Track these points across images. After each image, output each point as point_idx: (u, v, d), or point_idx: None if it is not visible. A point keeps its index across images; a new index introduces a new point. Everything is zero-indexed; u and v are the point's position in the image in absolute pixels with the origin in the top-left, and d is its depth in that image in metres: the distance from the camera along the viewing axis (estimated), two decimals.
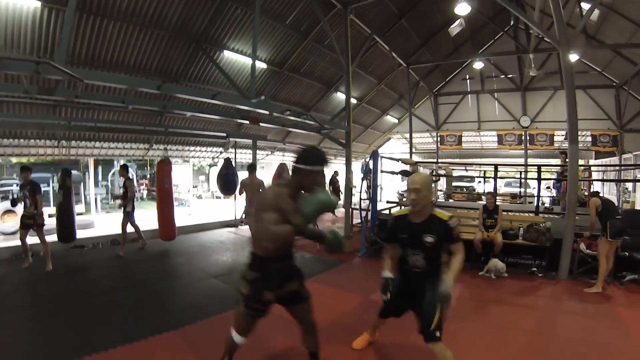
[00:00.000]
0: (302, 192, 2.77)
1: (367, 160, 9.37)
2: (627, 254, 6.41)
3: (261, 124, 9.46)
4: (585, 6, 12.52)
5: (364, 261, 7.85)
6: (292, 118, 8.76)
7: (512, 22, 17.16)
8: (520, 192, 15.83)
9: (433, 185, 3.06)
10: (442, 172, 16.72)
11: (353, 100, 15.96)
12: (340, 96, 14.83)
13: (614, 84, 17.58)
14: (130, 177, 8.90)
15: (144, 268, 7.05)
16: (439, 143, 20.75)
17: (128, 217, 8.13)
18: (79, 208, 16.76)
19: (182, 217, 13.08)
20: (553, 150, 18.43)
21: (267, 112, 8.25)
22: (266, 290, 2.73)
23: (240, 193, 8.49)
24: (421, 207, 3.16)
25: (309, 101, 14.74)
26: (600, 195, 6.50)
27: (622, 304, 5.57)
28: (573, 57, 15.37)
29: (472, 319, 4.80)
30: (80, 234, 8.54)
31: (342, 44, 9.53)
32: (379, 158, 9.21)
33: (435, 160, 19.45)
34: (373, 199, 8.75)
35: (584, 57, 17.22)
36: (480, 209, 7.62)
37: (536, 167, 11.23)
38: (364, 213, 8.79)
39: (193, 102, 9.71)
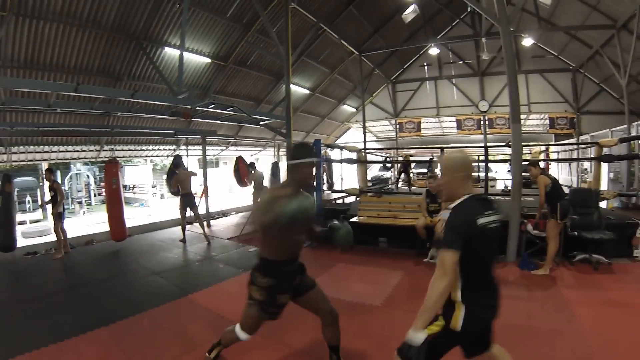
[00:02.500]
0: (302, 187, 2.82)
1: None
2: (576, 233, 6.38)
3: (193, 119, 9.44)
4: None
5: (311, 251, 7.67)
6: (216, 111, 8.65)
7: (468, 9, 17.31)
8: (479, 176, 15.95)
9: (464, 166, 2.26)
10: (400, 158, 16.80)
11: (305, 91, 15.95)
12: (293, 87, 14.70)
13: (571, 67, 18.11)
14: (57, 179, 8.71)
15: (89, 270, 6.95)
16: (398, 130, 20.85)
17: (59, 220, 7.90)
18: (36, 215, 16.45)
19: (140, 218, 12.89)
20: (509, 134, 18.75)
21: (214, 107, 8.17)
22: (281, 294, 2.80)
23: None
24: (447, 197, 2.30)
25: (259, 94, 14.62)
26: (549, 174, 6.51)
27: (570, 286, 5.53)
28: (528, 42, 16.04)
29: (406, 309, 4.63)
30: (35, 241, 8.40)
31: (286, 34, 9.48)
32: (322, 147, 9.15)
33: (395, 147, 19.62)
34: (318, 188, 8.71)
35: (540, 42, 17.63)
36: (423, 194, 7.35)
37: (495, 150, 11.31)
38: None
39: (131, 102, 9.48)
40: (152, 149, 14.15)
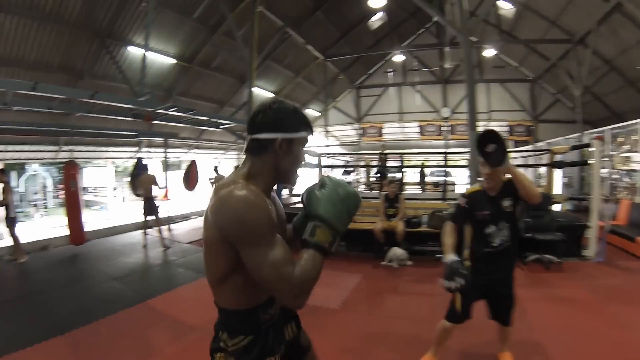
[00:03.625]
0: (276, 184, 1.65)
1: None
2: (529, 235, 6.68)
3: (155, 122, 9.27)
4: (502, 4, 13.43)
5: None
6: (178, 114, 8.59)
7: (434, 19, 17.74)
8: (438, 181, 16.32)
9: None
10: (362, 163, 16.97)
11: (269, 94, 15.93)
12: (256, 90, 14.60)
13: (529, 78, 19.14)
14: (9, 181, 8.33)
15: (46, 276, 6.70)
16: (361, 135, 21.08)
17: (13, 224, 7.61)
18: None
19: (100, 221, 12.56)
20: None
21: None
22: (270, 357, 1.60)
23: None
24: (495, 182, 2.90)
25: (223, 96, 14.52)
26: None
27: (522, 285, 5.59)
28: (490, 52, 16.75)
29: (359, 310, 4.84)
30: None
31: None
32: None
33: (357, 152, 19.85)
34: (278, 191, 8.75)
35: (501, 53, 18.62)
36: (381, 198, 7.55)
37: (455, 156, 11.63)
38: None
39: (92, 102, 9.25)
40: (113, 151, 13.81)
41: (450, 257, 2.76)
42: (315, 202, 1.44)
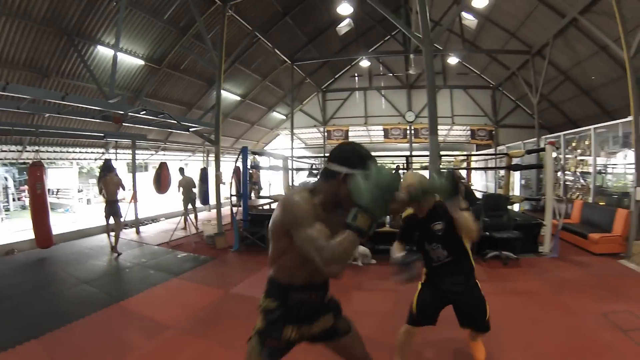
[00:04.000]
0: (336, 207, 1.95)
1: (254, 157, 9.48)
2: (488, 233, 7.14)
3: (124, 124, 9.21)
4: (466, 16, 14.16)
5: (237, 256, 7.97)
6: (148, 117, 8.60)
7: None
8: None
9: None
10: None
11: (236, 97, 16.05)
12: (223, 93, 14.49)
13: (491, 85, 20.08)
14: None
15: (14, 281, 6.56)
16: (326, 138, 21.25)
17: None
18: None
19: (66, 224, 12.34)
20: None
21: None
22: (287, 326, 2.03)
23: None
24: (421, 208, 3.11)
25: (191, 99, 14.42)
26: (464, 181, 7.10)
27: (481, 280, 5.96)
28: (454, 60, 17.47)
29: None
30: None
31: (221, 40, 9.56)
32: (249, 154, 9.32)
33: (323, 154, 20.02)
34: (243, 194, 8.88)
35: (465, 61, 19.60)
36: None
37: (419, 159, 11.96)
38: (235, 209, 8.86)
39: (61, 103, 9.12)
40: (80, 152, 13.52)
41: (397, 255, 2.69)
42: (359, 192, 1.70)
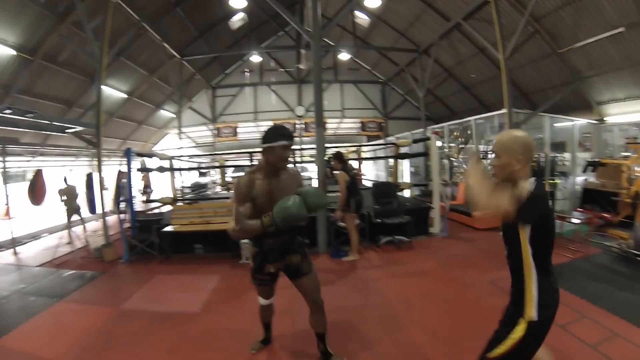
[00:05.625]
0: (275, 171, 2.91)
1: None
2: (379, 220, 7.36)
3: None
4: (359, 14, 14.73)
5: (128, 267, 7.18)
6: (15, 117, 7.30)
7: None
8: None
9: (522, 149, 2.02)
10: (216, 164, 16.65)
11: (122, 95, 14.98)
12: (107, 90, 13.49)
13: (381, 80, 21.42)
14: None
15: None
16: (216, 136, 20.86)
17: None
18: None
19: None
20: (329, 137, 20.40)
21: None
22: (266, 264, 3.03)
23: None
24: (501, 179, 2.12)
25: (71, 96, 12.91)
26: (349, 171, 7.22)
27: (377, 266, 6.39)
28: (345, 56, 18.09)
29: (225, 311, 4.79)
30: None
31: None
32: (133, 155, 8.50)
33: (212, 152, 19.59)
34: (129, 199, 8.15)
35: (356, 57, 20.49)
36: (232, 198, 7.47)
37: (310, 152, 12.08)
38: (122, 216, 8.11)
39: None
40: None
41: None
42: (277, 208, 2.71)
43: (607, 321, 3.88)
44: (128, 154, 8.16)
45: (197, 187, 16.71)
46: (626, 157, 8.64)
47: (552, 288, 2.01)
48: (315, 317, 3.16)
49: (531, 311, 1.96)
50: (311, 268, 3.12)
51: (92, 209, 9.94)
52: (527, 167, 2.02)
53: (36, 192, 9.87)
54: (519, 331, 1.97)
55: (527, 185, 1.93)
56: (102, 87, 8.52)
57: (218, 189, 15.36)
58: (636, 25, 8.37)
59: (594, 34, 9.20)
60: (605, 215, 7.64)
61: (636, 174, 7.33)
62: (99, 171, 8.19)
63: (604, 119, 11.19)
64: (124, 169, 8.38)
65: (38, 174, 10.14)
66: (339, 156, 6.78)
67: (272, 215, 2.69)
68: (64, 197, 9.66)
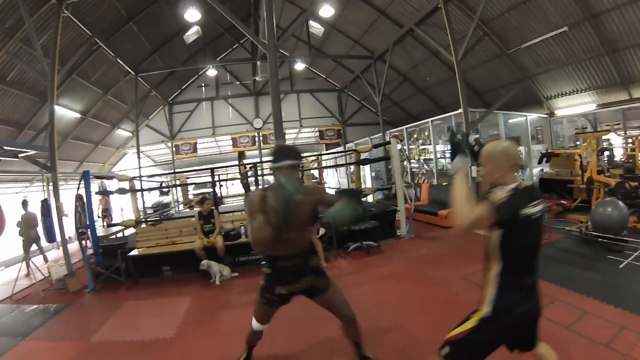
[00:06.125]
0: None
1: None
2: (345, 227, 7.02)
3: None
4: (313, 24, 15.31)
5: (94, 296, 6.81)
6: None
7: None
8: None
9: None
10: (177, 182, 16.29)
11: (76, 115, 14.35)
12: (60, 110, 12.89)
13: (337, 87, 21.61)
14: None
15: None
16: (174, 153, 20.32)
17: None
18: None
19: None
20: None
21: None
22: (278, 286, 2.94)
23: None
24: (489, 187, 2.25)
25: (21, 117, 12.07)
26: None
27: (347, 273, 6.40)
28: (300, 66, 18.31)
29: (201, 332, 4.68)
30: None
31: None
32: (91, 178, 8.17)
33: (172, 170, 19.23)
34: (90, 224, 7.83)
35: (312, 66, 20.81)
36: (196, 216, 7.35)
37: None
38: (84, 243, 7.64)
39: None
40: None
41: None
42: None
43: (577, 301, 4.10)
44: (86, 177, 7.83)
45: (160, 207, 16.31)
46: (577, 147, 9.10)
47: (515, 297, 2.10)
48: (350, 329, 3.16)
49: (483, 308, 2.12)
50: (329, 284, 3.07)
51: (50, 237, 9.40)
52: (511, 174, 2.16)
53: None
54: (470, 322, 2.15)
55: (503, 192, 2.04)
56: (55, 107, 8.19)
57: (181, 207, 15.04)
58: (578, 24, 8.86)
59: (540, 34, 9.66)
60: (563, 202, 8.03)
61: (588, 161, 7.72)
62: (56, 196, 7.82)
63: (554, 112, 11.72)
64: (82, 192, 8.01)
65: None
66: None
67: (274, 209, 2.58)
68: (21, 227, 9.13)
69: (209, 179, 10.69)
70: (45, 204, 9.16)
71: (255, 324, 3.16)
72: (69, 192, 12.38)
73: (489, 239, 2.13)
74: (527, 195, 2.11)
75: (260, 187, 3.52)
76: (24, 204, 9.43)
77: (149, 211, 14.36)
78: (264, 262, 3.07)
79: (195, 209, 11.70)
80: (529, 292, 2.14)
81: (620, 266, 5.01)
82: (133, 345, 4.44)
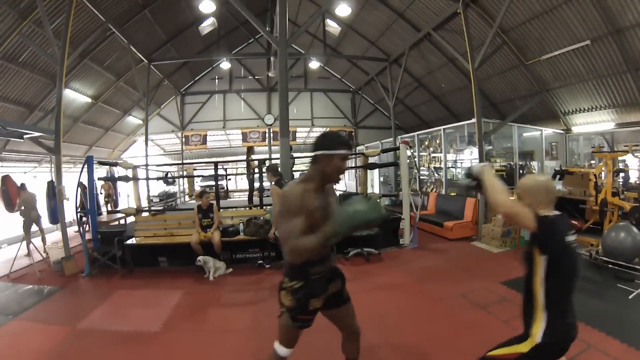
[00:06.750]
0: (328, 184, 2.48)
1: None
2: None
3: None
4: (330, 23, 15.07)
5: (88, 282, 6.82)
6: None
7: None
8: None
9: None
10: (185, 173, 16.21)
11: (87, 99, 14.32)
12: (71, 94, 12.91)
13: (351, 89, 21.30)
14: None
15: None
16: (183, 143, 20.33)
17: None
18: None
19: None
20: (296, 145, 20.34)
21: None
22: (312, 299, 2.44)
23: None
24: None
25: (32, 99, 12.04)
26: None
27: (347, 279, 6.20)
28: (315, 64, 18.10)
29: (186, 329, 4.57)
30: None
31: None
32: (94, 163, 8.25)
33: (181, 161, 19.16)
34: (91, 210, 7.88)
35: (327, 65, 20.58)
36: (195, 210, 7.25)
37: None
38: (84, 227, 7.79)
39: None
40: None
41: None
42: (336, 217, 2.21)
43: (581, 332, 3.80)
44: (90, 162, 7.79)
45: (165, 196, 16.25)
46: (592, 166, 8.82)
47: (564, 327, 2.15)
48: (353, 344, 2.84)
49: (536, 335, 2.12)
50: (348, 293, 2.78)
51: (53, 219, 9.47)
52: (550, 209, 2.19)
53: (11, 197, 9.45)
54: (524, 347, 2.14)
55: (548, 212, 2.13)
56: (66, 90, 8.15)
57: (186, 198, 14.95)
58: (602, 38, 8.52)
59: (560, 46, 9.35)
60: (574, 222, 7.76)
61: (602, 182, 7.46)
62: (59, 180, 7.79)
63: (571, 128, 11.39)
64: (85, 177, 7.98)
65: (6, 180, 9.66)
66: (272, 168, 6.33)
67: (334, 222, 2.17)
68: (22, 207, 9.12)
69: (214, 172, 10.63)
70: (51, 186, 9.24)
71: (281, 350, 2.53)
72: (75, 176, 12.42)
73: (533, 270, 2.14)
74: (567, 223, 2.17)
75: (294, 180, 3.15)
76: (22, 186, 9.42)
77: (155, 200, 14.27)
78: (289, 274, 2.46)
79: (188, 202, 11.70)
80: (574, 320, 2.19)
81: (630, 297, 4.74)
82: (117, 335, 4.38)
